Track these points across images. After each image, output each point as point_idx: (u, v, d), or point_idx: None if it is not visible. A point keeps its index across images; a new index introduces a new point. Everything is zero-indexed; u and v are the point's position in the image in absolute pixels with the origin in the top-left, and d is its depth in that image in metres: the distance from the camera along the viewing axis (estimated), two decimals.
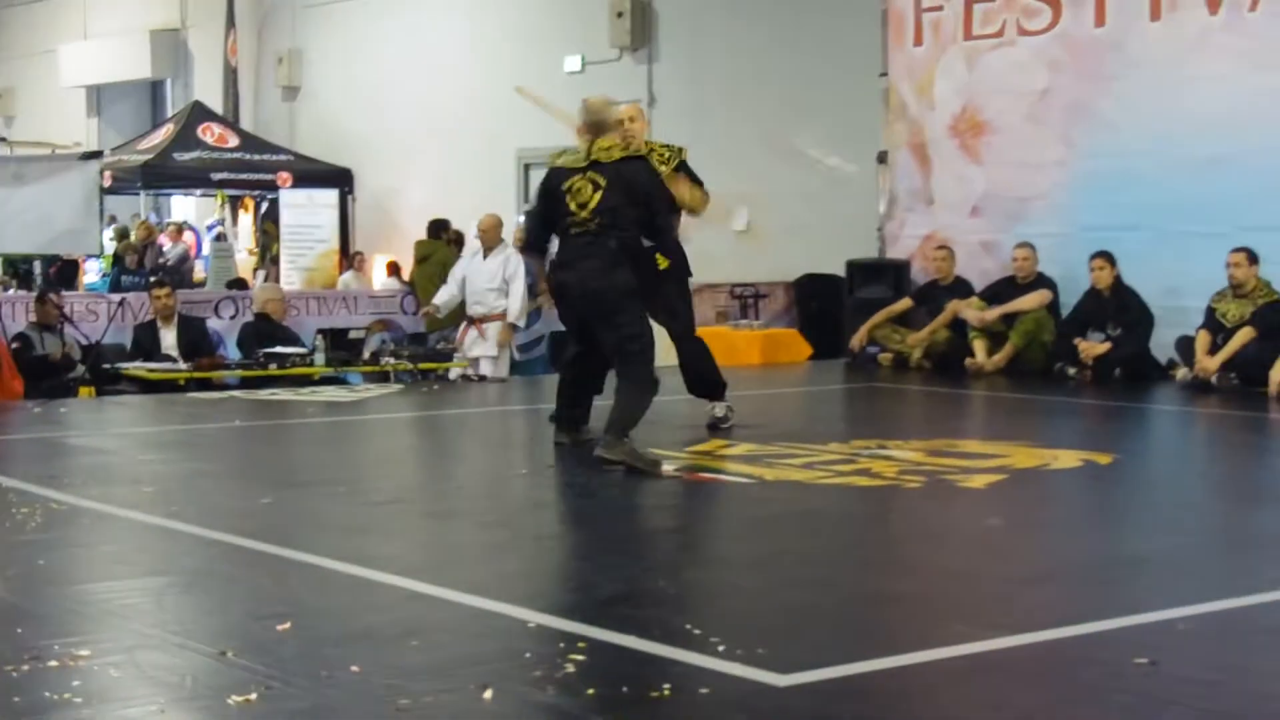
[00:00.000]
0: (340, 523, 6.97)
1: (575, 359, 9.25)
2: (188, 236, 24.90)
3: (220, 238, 24.61)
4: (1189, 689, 4.42)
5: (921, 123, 15.46)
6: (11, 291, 18.61)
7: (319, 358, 13.27)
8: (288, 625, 4.92)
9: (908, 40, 15.55)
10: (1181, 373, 12.86)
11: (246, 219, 25.36)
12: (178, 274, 22.53)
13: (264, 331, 13.78)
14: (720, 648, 4.67)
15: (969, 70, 15.05)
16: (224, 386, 13.13)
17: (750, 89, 18.71)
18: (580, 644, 4.71)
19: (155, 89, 29.91)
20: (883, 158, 16.00)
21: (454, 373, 13.93)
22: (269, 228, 24.31)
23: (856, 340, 14.94)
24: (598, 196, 8.57)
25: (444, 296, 14.36)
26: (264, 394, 12.37)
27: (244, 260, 24.76)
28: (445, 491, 8.31)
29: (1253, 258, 12.58)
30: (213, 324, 14.81)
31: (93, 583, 5.73)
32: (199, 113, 23.96)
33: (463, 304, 14.37)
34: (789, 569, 6.09)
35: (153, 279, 15.03)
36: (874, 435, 9.76)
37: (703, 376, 10.17)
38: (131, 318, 14.12)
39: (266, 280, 23.11)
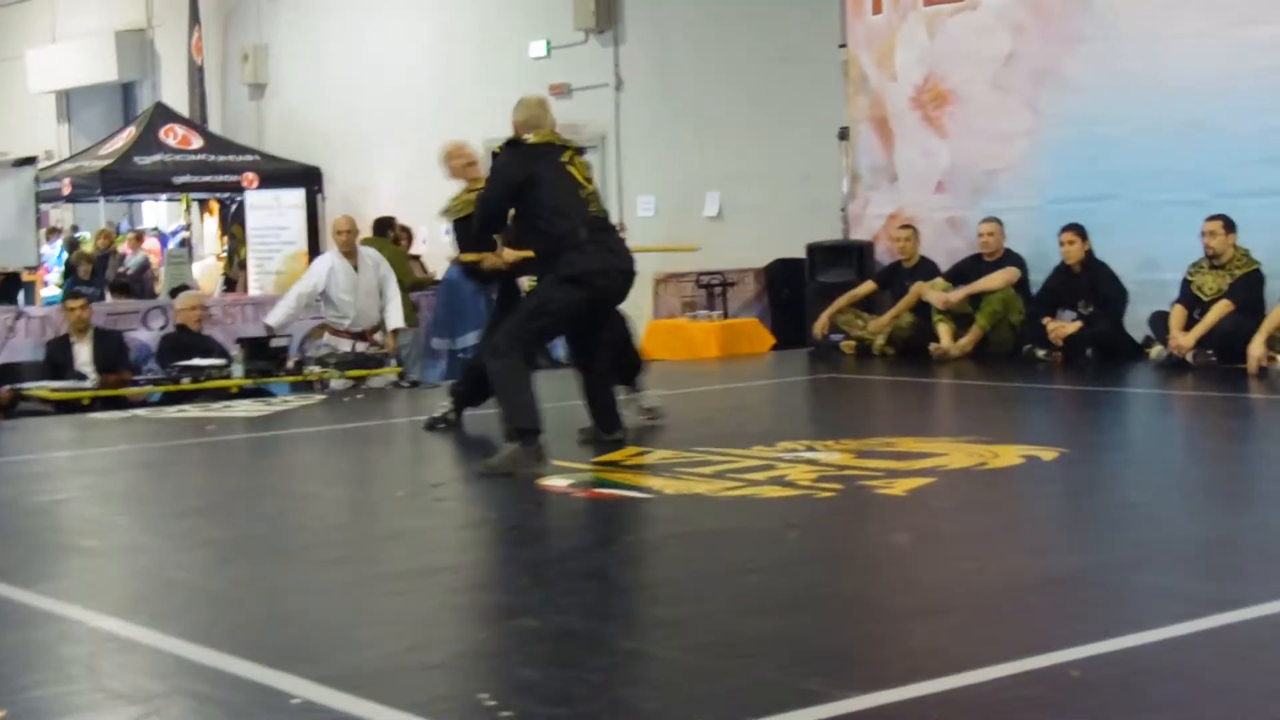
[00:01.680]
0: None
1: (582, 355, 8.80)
2: (150, 244, 24.06)
3: (184, 244, 23.84)
4: None
5: (883, 95, 14.54)
6: None
7: (237, 369, 12.39)
8: None
9: (866, 8, 14.61)
10: (1156, 351, 11.96)
11: (212, 223, 24.56)
12: (138, 283, 21.75)
13: (182, 343, 12.95)
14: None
15: (930, 38, 14.14)
16: (143, 404, 12.29)
17: (717, 68, 17.81)
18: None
19: (126, 91, 29.05)
20: (844, 134, 15.07)
21: (382, 380, 13.02)
22: (236, 231, 23.50)
23: (818, 328, 14.06)
24: (590, 172, 8.41)
25: (281, 316, 13.29)
26: (172, 411, 11.54)
27: (211, 266, 23.97)
28: (298, 523, 7.38)
29: (1229, 226, 11.66)
30: (141, 336, 13.99)
31: None
32: (161, 114, 23.19)
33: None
34: (632, 608, 5.22)
35: (75, 290, 14.10)
36: (806, 435, 8.95)
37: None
38: (41, 333, 13.26)
39: (230, 289, 22.39)
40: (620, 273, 8.30)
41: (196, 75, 24.98)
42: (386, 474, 8.81)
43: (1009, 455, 8.03)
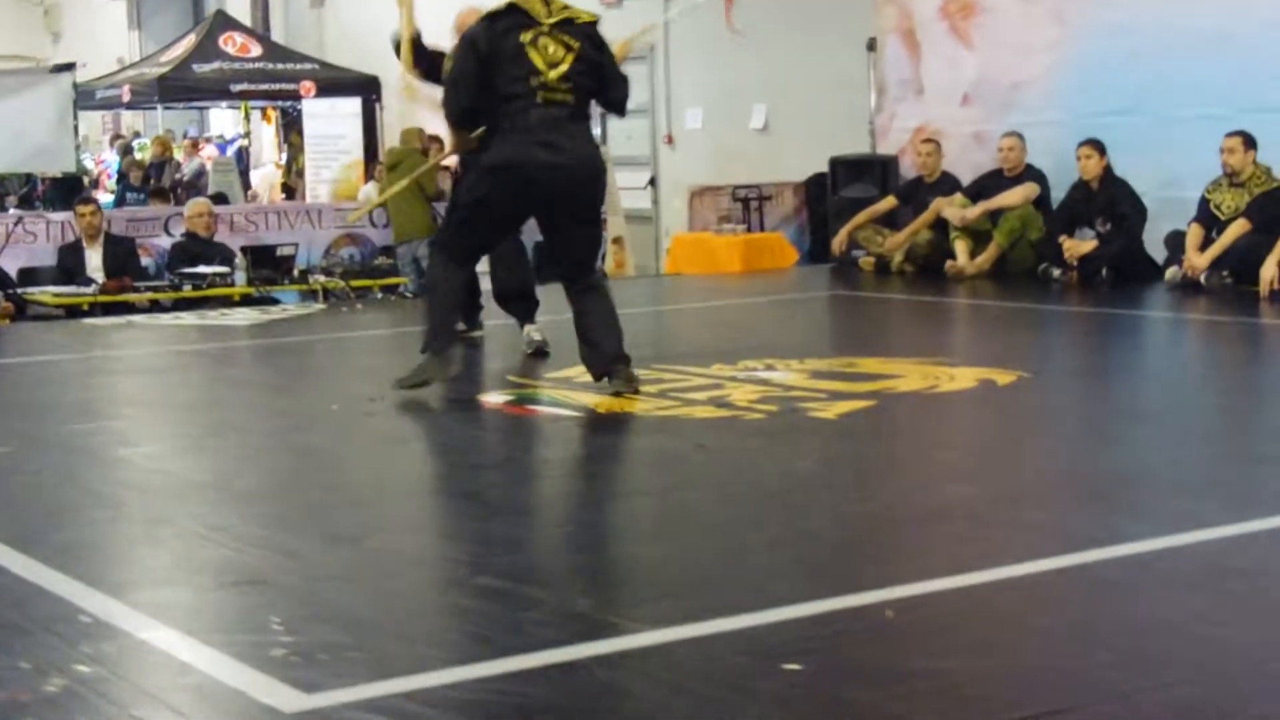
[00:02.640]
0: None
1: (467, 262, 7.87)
2: (208, 151, 24.02)
3: (242, 152, 23.79)
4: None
5: (911, 5, 14.10)
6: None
7: (239, 277, 12.28)
8: None
9: None
10: (1171, 272, 11.52)
11: (270, 131, 24.48)
12: (194, 189, 21.70)
13: (191, 250, 12.85)
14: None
15: None
16: (156, 308, 12.22)
17: None
18: None
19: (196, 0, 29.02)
20: (872, 45, 14.65)
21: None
22: (294, 139, 23.43)
23: (837, 243, 13.72)
24: (570, 59, 7.28)
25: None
26: (167, 319, 11.45)
27: (269, 173, 23.91)
28: (217, 435, 7.23)
29: (1249, 142, 11.20)
30: (164, 243, 13.89)
31: None
32: (221, 22, 23.09)
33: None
34: (483, 530, 5.02)
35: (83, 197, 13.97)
36: (776, 354, 8.65)
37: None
38: (62, 237, 13.19)
39: (289, 196, 22.34)
40: (550, 166, 7.18)
41: None
42: (336, 386, 8.58)
43: (965, 378, 7.76)
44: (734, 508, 5.35)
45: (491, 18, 7.35)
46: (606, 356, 7.42)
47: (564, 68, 7.24)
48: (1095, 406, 7.47)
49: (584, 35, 7.36)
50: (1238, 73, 11.81)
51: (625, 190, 17.43)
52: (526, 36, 7.23)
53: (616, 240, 16.02)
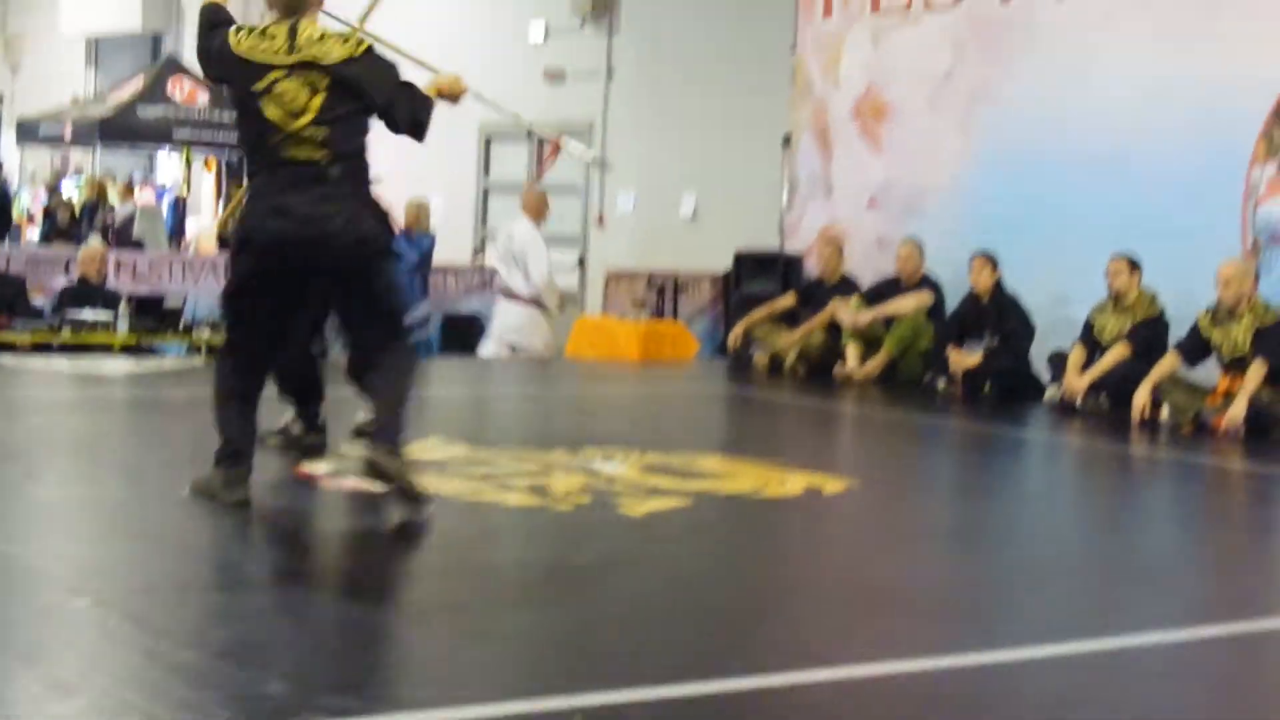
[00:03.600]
0: None
1: (270, 345, 6.65)
2: (146, 195, 23.97)
3: (178, 200, 23.75)
4: None
5: (826, 103, 14.15)
6: None
7: (123, 326, 12.20)
8: None
9: (818, 12, 14.23)
10: (1050, 391, 11.56)
11: (210, 180, 24.44)
12: (125, 235, 21.64)
13: (81, 294, 12.75)
14: None
15: (875, 47, 13.73)
16: (41, 349, 12.11)
17: (699, 65, 17.39)
18: None
19: (155, 43, 28.97)
20: (787, 140, 14.69)
21: None
22: (234, 190, 23.37)
23: (732, 339, 13.73)
24: (317, 102, 6.19)
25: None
26: (39, 361, 11.35)
27: (205, 223, 23.85)
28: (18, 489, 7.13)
29: (1134, 266, 11.23)
30: (60, 284, 13.80)
31: None
32: (171, 67, 23.03)
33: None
34: (211, 601, 4.93)
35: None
36: (620, 444, 8.58)
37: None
38: None
39: (224, 246, 22.24)
40: (278, 237, 6.18)
41: None
42: (157, 449, 8.44)
43: (795, 484, 7.69)
44: (460, 592, 5.27)
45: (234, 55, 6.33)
46: (373, 424, 6.45)
47: (309, 116, 6.17)
48: (903, 521, 7.41)
49: (340, 71, 6.22)
50: (1132, 195, 11.88)
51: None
52: (260, 85, 6.21)
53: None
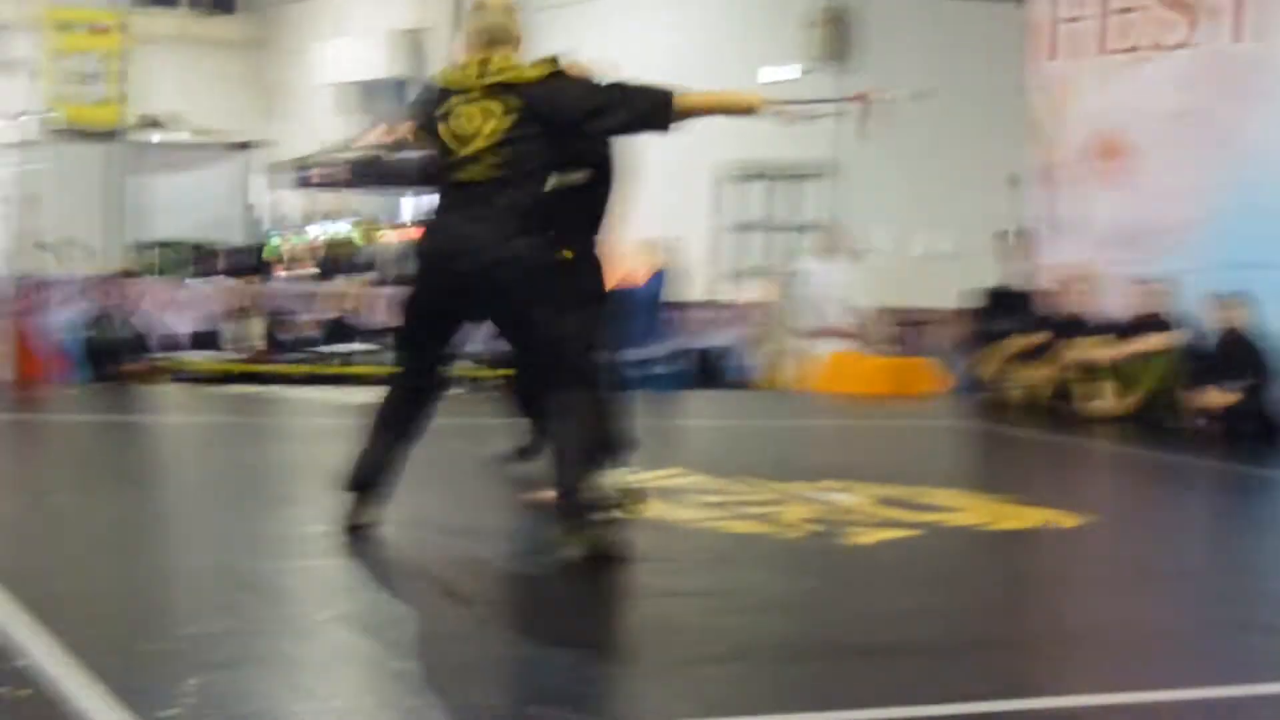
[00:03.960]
0: None
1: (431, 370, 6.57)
2: (391, 235, 24.73)
3: None
4: None
5: (1056, 143, 14.10)
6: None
7: (385, 358, 12.68)
8: None
9: (1045, 54, 14.23)
10: None
11: None
12: (380, 272, 22.33)
13: (344, 328, 13.30)
14: None
15: (1104, 87, 13.65)
16: (310, 380, 12.62)
17: (936, 103, 17.38)
18: None
19: (403, 87, 29.81)
20: (1013, 180, 14.71)
21: None
22: None
23: (985, 374, 13.74)
24: (499, 126, 6.20)
25: None
26: (274, 389, 11.87)
27: None
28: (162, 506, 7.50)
29: None
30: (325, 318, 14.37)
31: None
32: None
33: None
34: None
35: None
36: (857, 476, 8.71)
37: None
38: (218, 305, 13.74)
39: None
40: (440, 256, 6.22)
41: None
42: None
43: (1030, 518, 7.75)
44: (666, 616, 5.41)
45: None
46: (562, 507, 6.25)
47: (484, 140, 6.18)
48: (1137, 558, 7.38)
49: (532, 91, 6.23)
50: None
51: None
52: (442, 109, 6.29)
53: (780, 353, 16.13)
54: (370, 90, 29.60)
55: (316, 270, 21.29)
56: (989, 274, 15.08)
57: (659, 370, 14.89)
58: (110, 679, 4.17)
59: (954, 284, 15.92)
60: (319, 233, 24.25)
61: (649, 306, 14.03)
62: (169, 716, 3.91)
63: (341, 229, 23.92)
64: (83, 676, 4.20)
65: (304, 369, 12.60)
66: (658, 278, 14.87)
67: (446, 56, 25.53)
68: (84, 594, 5.36)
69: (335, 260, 22.03)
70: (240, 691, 4.19)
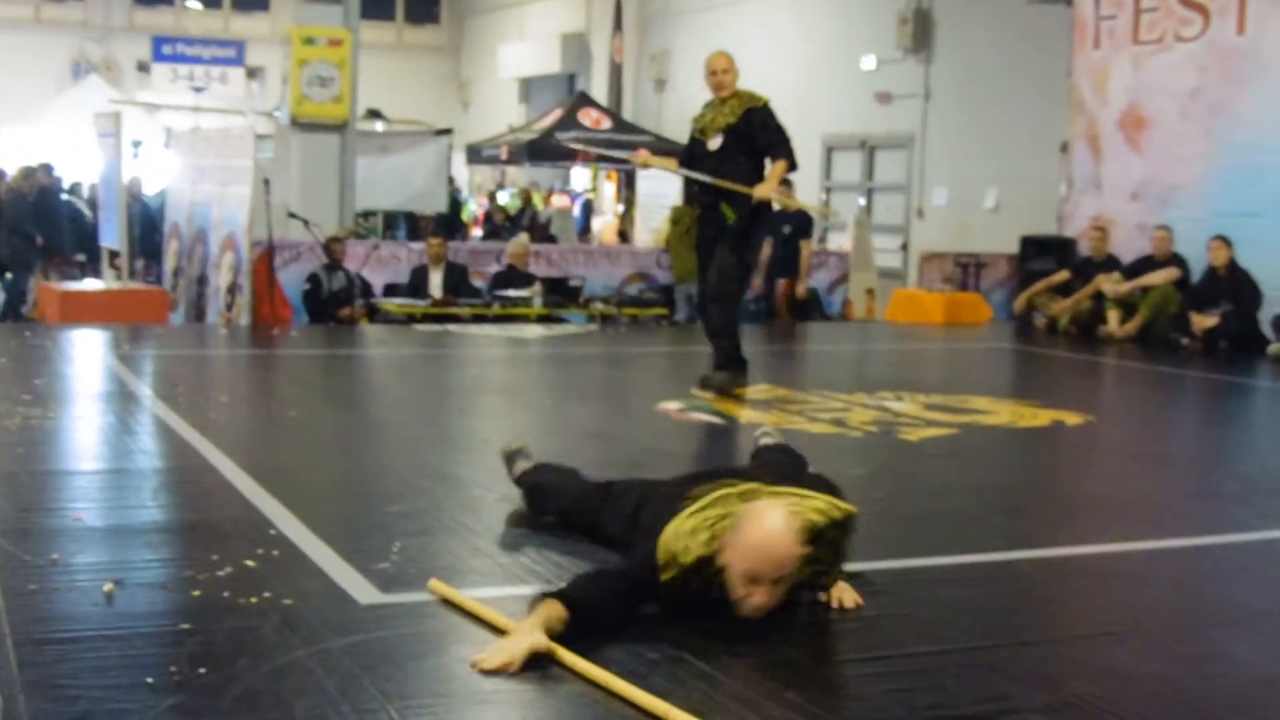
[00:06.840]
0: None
1: None
2: (561, 201, 25.01)
3: (587, 205, 24.69)
4: None
5: (1095, 116, 14.10)
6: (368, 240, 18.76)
7: (537, 301, 13.03)
8: None
9: (1089, 44, 14.18)
10: (1273, 347, 11.40)
11: (611, 188, 25.34)
12: (545, 232, 22.68)
13: (508, 278, 13.61)
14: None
15: (1135, 71, 13.63)
16: (478, 319, 12.92)
17: (1005, 86, 17.43)
18: None
19: (570, 81, 30.12)
20: (1064, 147, 14.68)
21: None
22: (629, 196, 24.24)
23: (1017, 306, 13.86)
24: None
25: None
26: (474, 328, 12.22)
27: (608, 221, 24.79)
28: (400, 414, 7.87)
29: None
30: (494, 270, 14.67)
31: None
32: (582, 101, 23.98)
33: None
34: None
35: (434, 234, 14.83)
36: (911, 388, 8.97)
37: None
38: (407, 261, 14.04)
39: (624, 239, 23.16)
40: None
41: (615, 72, 25.76)
42: (563, 390, 9.14)
43: (1043, 418, 7.95)
44: None
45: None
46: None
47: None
48: (1129, 447, 7.60)
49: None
50: None
51: (881, 251, 17.71)
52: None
53: (870, 291, 16.24)
54: (543, 84, 29.99)
55: (497, 228, 21.63)
56: (1039, 224, 15.17)
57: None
58: (337, 543, 4.56)
59: (1012, 232, 16.04)
60: (502, 199, 24.61)
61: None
62: (381, 569, 4.29)
63: (517, 196, 24.22)
64: (317, 541, 4.59)
65: (479, 310, 12.92)
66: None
67: (606, 55, 26.05)
68: (316, 483, 5.75)
69: (511, 221, 22.36)
70: (432, 551, 4.56)
